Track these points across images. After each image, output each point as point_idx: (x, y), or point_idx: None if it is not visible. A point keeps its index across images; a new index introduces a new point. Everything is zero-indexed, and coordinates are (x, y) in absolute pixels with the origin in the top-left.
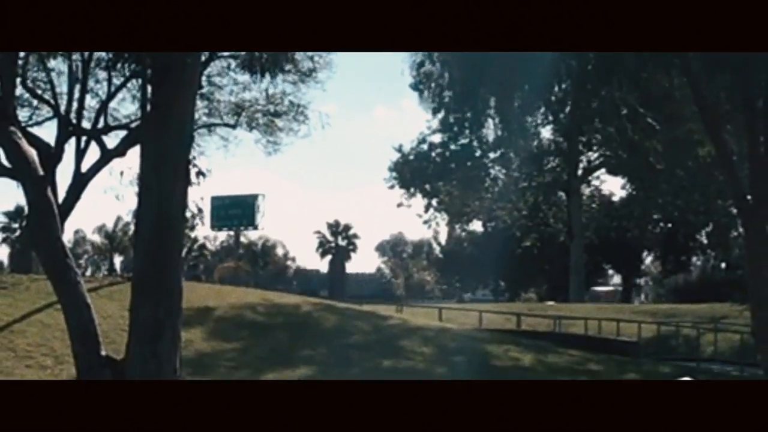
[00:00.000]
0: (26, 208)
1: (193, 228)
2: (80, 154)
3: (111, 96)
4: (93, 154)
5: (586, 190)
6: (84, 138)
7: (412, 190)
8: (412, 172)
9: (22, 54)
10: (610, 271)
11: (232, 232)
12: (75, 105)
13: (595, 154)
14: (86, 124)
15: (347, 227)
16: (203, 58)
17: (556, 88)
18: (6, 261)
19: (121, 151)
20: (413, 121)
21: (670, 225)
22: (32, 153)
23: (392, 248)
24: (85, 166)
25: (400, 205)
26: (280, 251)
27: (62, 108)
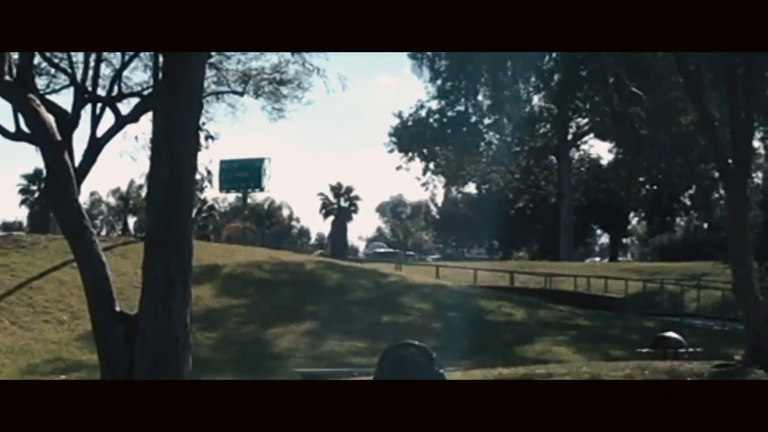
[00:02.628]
0: (44, 171)
1: (202, 190)
2: (95, 120)
3: (124, 65)
4: (108, 120)
5: (576, 154)
6: (99, 105)
7: (410, 154)
8: (411, 137)
9: None
10: (599, 231)
11: (239, 194)
12: (90, 73)
13: (584, 120)
14: (101, 92)
15: (349, 189)
16: None
17: (547, 58)
18: (25, 221)
19: (134, 117)
20: (413, 89)
21: (655, 187)
22: (50, 119)
23: (392, 209)
24: (100, 132)
25: (399, 168)
26: (285, 212)
27: (78, 76)
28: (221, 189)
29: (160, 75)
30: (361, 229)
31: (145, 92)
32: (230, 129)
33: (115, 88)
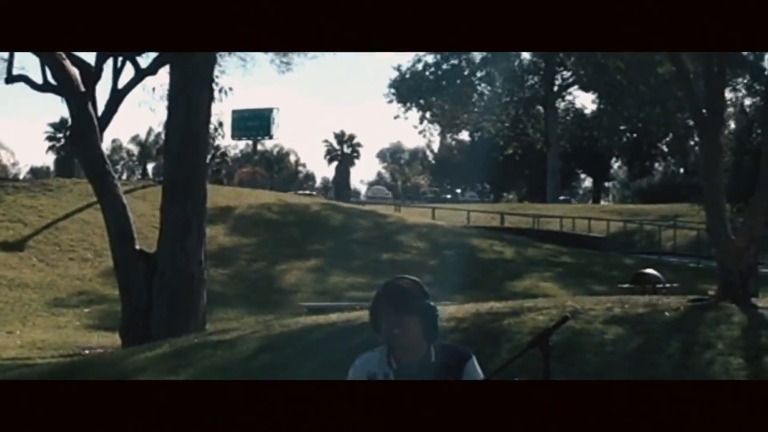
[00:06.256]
0: (70, 121)
1: (215, 138)
2: (117, 72)
3: None
4: (128, 72)
5: (561, 104)
6: (120, 58)
7: (408, 104)
8: (409, 88)
9: None
10: (582, 176)
11: (250, 141)
12: None
13: (569, 73)
14: None
15: (352, 137)
16: None
17: None
18: (52, 166)
19: (153, 70)
20: None
21: (635, 135)
22: (75, 72)
23: (391, 155)
24: (121, 84)
25: (397, 117)
26: (292, 158)
27: None
28: (233, 136)
29: None
30: (363, 173)
31: None
32: (241, 81)
33: None
